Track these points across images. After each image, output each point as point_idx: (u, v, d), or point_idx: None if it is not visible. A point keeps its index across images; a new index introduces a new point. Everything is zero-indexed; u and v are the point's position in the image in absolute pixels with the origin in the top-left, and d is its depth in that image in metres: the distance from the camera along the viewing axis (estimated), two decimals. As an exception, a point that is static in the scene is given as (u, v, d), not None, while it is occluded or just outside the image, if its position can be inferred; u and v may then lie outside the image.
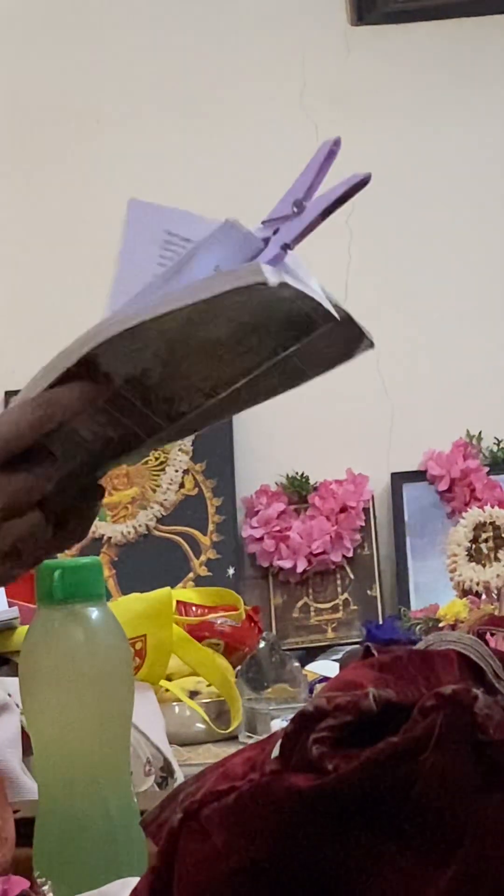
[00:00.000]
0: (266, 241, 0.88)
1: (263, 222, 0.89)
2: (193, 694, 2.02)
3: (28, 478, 0.88)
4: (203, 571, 2.72)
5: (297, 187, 0.89)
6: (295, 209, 0.88)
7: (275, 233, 0.88)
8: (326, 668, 2.30)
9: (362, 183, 0.87)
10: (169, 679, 2.01)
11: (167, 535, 2.74)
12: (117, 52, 2.84)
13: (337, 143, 0.89)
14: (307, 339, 0.90)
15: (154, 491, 2.75)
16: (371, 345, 0.93)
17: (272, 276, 0.84)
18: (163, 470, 2.75)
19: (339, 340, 0.95)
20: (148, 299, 0.87)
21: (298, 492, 2.76)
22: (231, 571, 2.71)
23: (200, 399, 0.90)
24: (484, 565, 2.19)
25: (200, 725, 1.99)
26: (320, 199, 0.87)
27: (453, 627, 2.04)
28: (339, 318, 0.90)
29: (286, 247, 0.87)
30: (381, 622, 2.63)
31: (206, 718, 1.98)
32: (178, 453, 2.75)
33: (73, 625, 1.12)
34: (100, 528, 2.73)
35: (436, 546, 2.65)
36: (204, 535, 2.74)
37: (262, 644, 2.06)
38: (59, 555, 1.08)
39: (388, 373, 2.79)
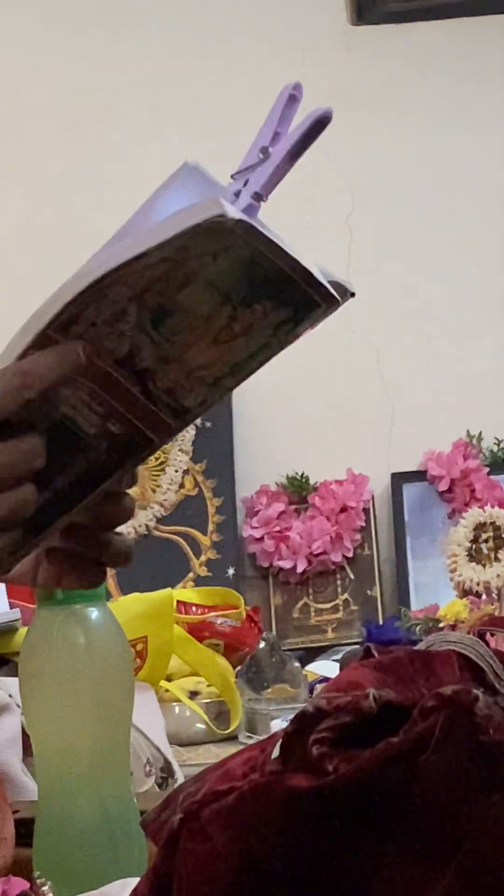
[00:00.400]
0: (237, 193, 0.86)
1: (233, 175, 0.88)
2: (193, 694, 2.02)
3: (13, 449, 0.86)
4: (203, 571, 2.71)
5: (261, 135, 0.87)
6: (261, 155, 0.86)
7: (245, 184, 0.86)
8: (326, 668, 2.30)
9: (324, 118, 0.86)
10: (169, 679, 2.01)
11: (167, 535, 2.74)
12: (117, 52, 2.84)
13: (297, 87, 0.89)
14: (308, 320, 0.86)
15: (154, 491, 2.75)
16: (351, 293, 0.87)
17: (232, 211, 0.80)
18: (163, 470, 2.75)
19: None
20: (108, 252, 0.86)
21: (298, 492, 2.76)
22: (231, 571, 2.71)
23: (204, 391, 0.88)
24: (484, 565, 2.19)
25: (200, 726, 1.99)
26: (283, 142, 0.86)
27: (453, 628, 2.04)
28: (337, 300, 0.86)
29: (258, 196, 0.85)
30: (381, 622, 2.63)
31: (206, 719, 1.98)
32: (178, 453, 2.75)
33: (73, 625, 1.12)
34: (100, 528, 2.72)
35: (436, 546, 2.65)
36: (204, 535, 2.74)
37: (262, 644, 2.06)
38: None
39: (388, 373, 2.79)
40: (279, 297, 0.85)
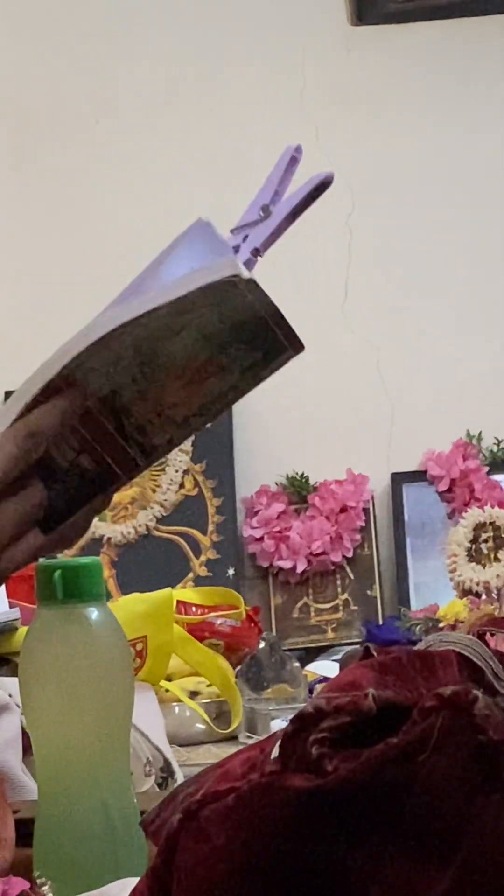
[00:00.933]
0: (237, 248, 0.89)
1: (232, 230, 0.90)
2: (193, 694, 2.02)
3: (17, 509, 0.89)
4: (203, 571, 2.72)
5: (263, 193, 0.90)
6: (262, 214, 0.89)
7: (244, 239, 0.89)
8: (326, 668, 2.30)
9: (325, 183, 0.88)
10: (169, 679, 2.01)
11: (167, 535, 2.74)
12: (117, 52, 2.84)
13: (298, 149, 0.92)
14: (275, 363, 0.90)
15: (154, 491, 2.75)
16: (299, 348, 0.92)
17: (245, 271, 0.84)
18: (163, 470, 2.75)
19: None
20: (122, 306, 0.88)
21: (298, 492, 2.76)
22: (231, 571, 2.71)
23: (172, 430, 0.91)
24: (484, 565, 2.19)
25: (200, 726, 1.99)
26: (286, 201, 0.89)
27: (453, 628, 2.04)
28: (303, 346, 0.91)
29: (256, 252, 0.88)
30: (381, 622, 2.63)
31: (207, 719, 1.98)
32: (179, 453, 2.75)
33: (73, 625, 1.12)
34: (100, 528, 2.73)
35: (436, 546, 2.65)
36: (204, 536, 2.74)
37: (262, 644, 2.06)
38: (59, 555, 1.08)
39: (388, 373, 2.80)
40: (253, 341, 0.88)
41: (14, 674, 1.51)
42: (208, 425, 0.93)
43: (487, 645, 0.74)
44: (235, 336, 0.88)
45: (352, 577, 2.74)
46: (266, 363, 0.90)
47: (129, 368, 0.88)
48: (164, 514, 2.75)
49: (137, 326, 0.86)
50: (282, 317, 0.88)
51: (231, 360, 0.88)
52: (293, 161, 0.91)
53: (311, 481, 2.77)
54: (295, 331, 0.89)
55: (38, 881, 1.04)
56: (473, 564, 2.19)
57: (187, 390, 0.89)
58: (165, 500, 2.75)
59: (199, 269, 0.86)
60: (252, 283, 0.85)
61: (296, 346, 0.89)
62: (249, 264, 0.88)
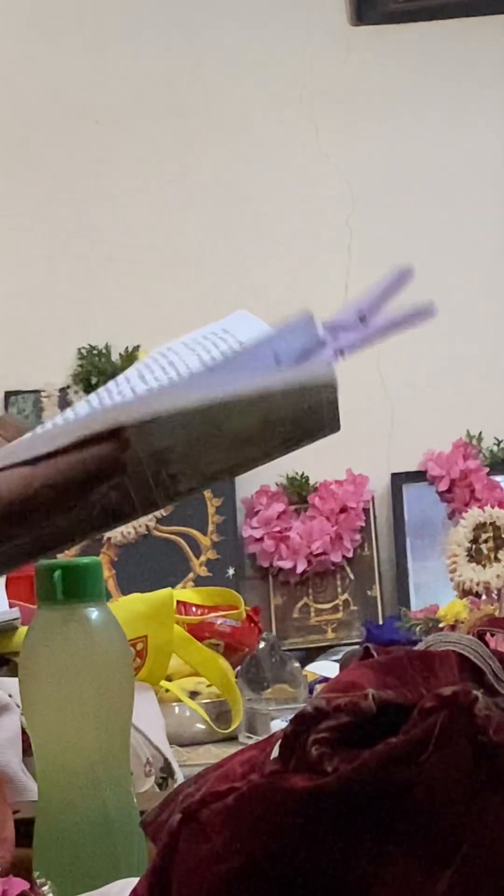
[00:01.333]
0: (324, 343, 0.91)
1: (325, 325, 0.93)
2: (193, 694, 2.02)
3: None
4: (203, 572, 2.72)
5: (366, 300, 0.92)
6: (360, 321, 0.91)
7: (333, 337, 0.91)
8: (326, 668, 2.30)
9: (424, 314, 0.91)
10: (169, 679, 2.01)
11: (167, 535, 2.74)
12: (117, 52, 2.84)
13: (411, 272, 0.93)
14: (312, 439, 0.92)
15: (154, 491, 2.75)
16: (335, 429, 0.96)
17: (337, 380, 0.88)
18: (163, 470, 2.75)
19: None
20: (210, 379, 0.89)
21: (298, 492, 2.76)
22: (231, 572, 2.71)
23: (200, 481, 0.91)
24: (484, 566, 2.19)
25: (200, 726, 1.99)
26: (385, 321, 0.91)
27: (453, 628, 2.04)
28: (340, 427, 0.93)
29: (341, 352, 0.90)
30: (381, 623, 2.63)
31: (207, 718, 1.98)
32: (179, 453, 2.75)
33: (73, 625, 1.12)
34: (100, 528, 2.72)
35: (436, 546, 2.66)
36: (204, 536, 2.74)
37: (262, 644, 2.06)
38: (58, 555, 1.08)
39: (388, 373, 2.80)
40: (303, 423, 0.91)
41: (14, 674, 1.51)
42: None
43: (487, 645, 0.74)
44: (291, 424, 0.90)
45: (352, 577, 2.74)
46: (304, 438, 0.93)
47: (190, 437, 0.88)
48: (164, 514, 2.75)
49: (215, 406, 0.87)
50: (336, 408, 0.91)
51: (276, 435, 0.91)
52: (402, 280, 0.93)
53: (311, 481, 2.77)
54: (339, 414, 0.92)
55: (38, 881, 1.04)
56: (473, 565, 2.19)
57: (227, 453, 0.90)
58: (165, 500, 2.74)
59: (299, 367, 0.87)
60: (336, 389, 0.88)
61: (334, 427, 0.93)
62: (331, 363, 0.91)
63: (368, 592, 2.73)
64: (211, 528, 2.74)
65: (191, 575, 2.71)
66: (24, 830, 1.13)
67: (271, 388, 0.87)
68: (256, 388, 0.88)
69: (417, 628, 2.17)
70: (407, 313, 0.90)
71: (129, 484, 0.89)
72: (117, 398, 0.90)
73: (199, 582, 2.67)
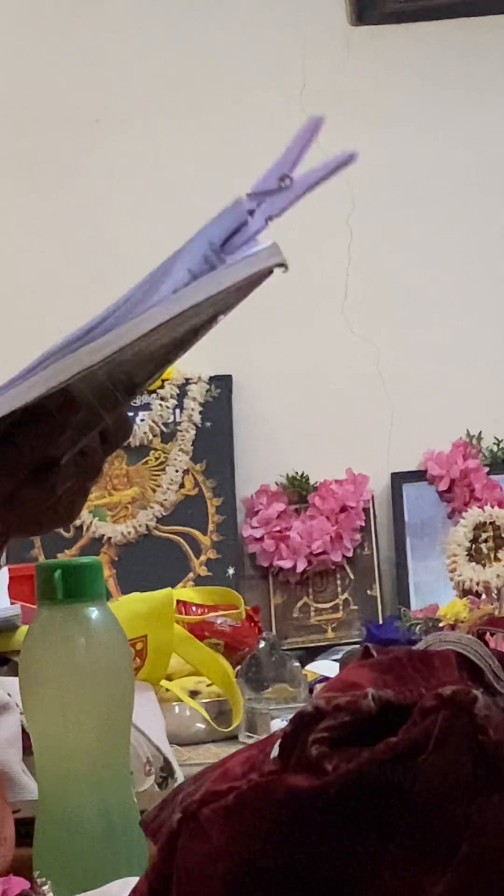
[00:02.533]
0: (251, 212, 0.89)
1: (248, 194, 0.91)
2: (193, 693, 2.02)
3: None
4: (203, 571, 2.72)
5: (281, 163, 0.90)
6: (281, 184, 0.90)
7: (258, 205, 0.89)
8: (326, 667, 2.30)
9: (347, 162, 0.89)
10: (169, 679, 2.01)
11: (167, 535, 2.74)
12: (118, 52, 2.85)
13: (321, 120, 0.92)
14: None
15: (154, 491, 2.75)
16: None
17: (285, 257, 0.87)
18: (163, 470, 2.75)
19: None
20: (164, 299, 0.88)
21: (298, 492, 2.76)
22: (231, 571, 2.71)
23: (152, 367, 0.91)
24: (484, 565, 2.19)
25: (200, 725, 1.99)
26: (308, 175, 0.90)
27: (453, 627, 2.04)
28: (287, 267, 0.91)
29: (269, 219, 0.89)
30: (381, 622, 2.63)
31: (207, 717, 1.98)
32: (179, 453, 2.75)
33: (73, 625, 1.12)
34: (100, 528, 2.73)
35: (436, 546, 2.66)
36: (204, 535, 2.74)
37: (262, 644, 2.06)
38: (59, 555, 1.08)
39: (388, 373, 2.80)
40: (248, 285, 0.90)
41: (14, 674, 1.51)
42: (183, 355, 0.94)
43: (487, 645, 0.74)
44: (237, 302, 0.90)
45: (352, 576, 2.74)
46: (246, 291, 0.91)
47: (141, 349, 0.88)
48: (165, 514, 2.75)
49: (173, 322, 0.86)
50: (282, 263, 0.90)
51: (223, 305, 0.90)
52: (315, 132, 0.92)
53: (311, 481, 2.77)
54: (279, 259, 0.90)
55: (38, 881, 1.04)
56: (473, 564, 2.19)
57: (174, 332, 0.90)
58: (165, 499, 2.75)
59: (240, 261, 0.86)
60: (285, 269, 0.88)
61: (272, 268, 0.91)
62: (260, 231, 0.90)
63: (368, 592, 2.73)
64: (211, 527, 2.74)
65: (191, 575, 2.72)
66: (24, 830, 1.14)
67: (215, 291, 0.86)
68: (199, 298, 0.87)
69: (417, 628, 2.17)
70: (330, 164, 0.89)
71: (90, 398, 0.89)
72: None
73: (199, 582, 2.67)
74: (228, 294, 0.87)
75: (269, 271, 0.90)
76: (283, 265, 0.87)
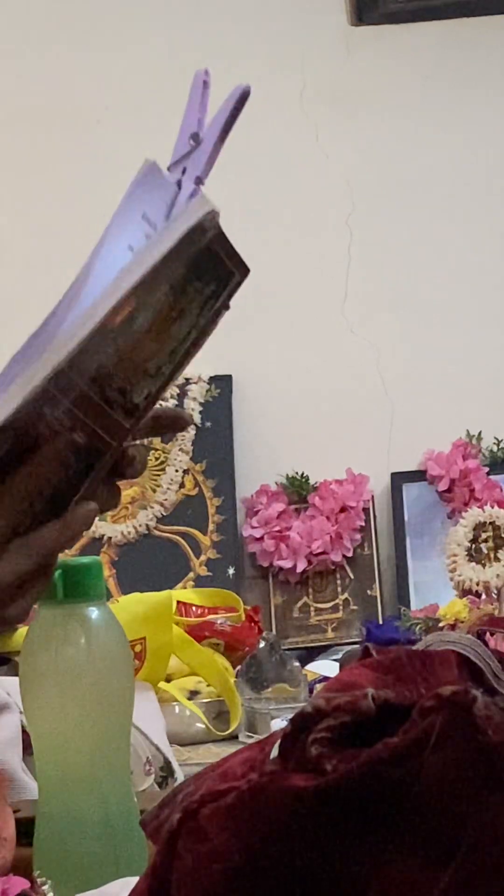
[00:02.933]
0: (179, 183, 0.89)
1: (169, 167, 0.91)
2: (193, 694, 2.02)
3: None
4: (203, 571, 2.72)
5: (186, 123, 0.91)
6: (192, 143, 0.90)
7: (183, 172, 0.89)
8: (326, 667, 2.30)
9: (244, 96, 0.89)
10: (168, 680, 2.01)
11: (167, 535, 2.74)
12: (118, 52, 2.84)
13: (207, 73, 0.93)
14: (226, 292, 0.90)
15: (154, 491, 2.75)
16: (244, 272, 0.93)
17: (214, 204, 0.87)
18: (163, 470, 2.75)
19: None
20: (111, 282, 0.87)
21: (298, 492, 2.76)
22: (231, 571, 2.71)
23: (148, 383, 0.90)
24: (484, 565, 2.19)
25: (200, 725, 1.99)
26: (212, 124, 0.90)
27: (453, 627, 2.04)
28: (248, 269, 0.91)
29: (199, 180, 0.89)
30: (381, 622, 2.63)
31: (205, 720, 1.98)
32: (179, 453, 2.75)
33: (73, 625, 1.12)
34: (100, 528, 2.73)
35: (436, 546, 2.66)
36: (204, 535, 2.74)
37: (262, 644, 2.06)
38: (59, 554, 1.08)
39: (388, 373, 2.80)
40: (206, 276, 0.89)
41: (14, 674, 1.51)
42: (178, 375, 0.93)
43: (487, 645, 0.74)
44: (193, 275, 0.88)
45: (352, 576, 2.74)
46: (219, 294, 0.90)
47: (110, 346, 0.87)
48: (165, 514, 2.75)
49: (122, 304, 0.86)
50: (226, 240, 0.89)
51: (190, 300, 0.89)
52: (205, 85, 0.92)
53: (311, 481, 2.77)
54: (239, 254, 0.89)
55: (38, 881, 1.04)
56: (473, 564, 2.19)
57: (157, 341, 0.89)
58: (165, 499, 2.75)
59: (173, 222, 0.86)
60: (216, 215, 0.86)
61: (241, 270, 0.90)
62: (195, 193, 0.89)
63: (368, 592, 2.73)
64: (211, 527, 2.74)
65: (191, 574, 2.72)
66: (24, 830, 1.14)
67: (159, 257, 0.86)
68: (146, 268, 0.86)
69: (417, 628, 2.17)
70: (227, 106, 0.90)
71: (83, 417, 0.88)
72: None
73: (199, 581, 2.67)
74: (178, 264, 0.86)
75: (230, 271, 0.89)
76: (212, 212, 0.86)
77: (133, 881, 0.76)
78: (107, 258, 0.88)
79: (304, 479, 2.76)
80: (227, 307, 0.91)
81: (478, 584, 2.16)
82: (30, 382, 0.86)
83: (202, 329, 0.91)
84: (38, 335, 0.89)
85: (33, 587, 0.92)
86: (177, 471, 2.75)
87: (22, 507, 0.89)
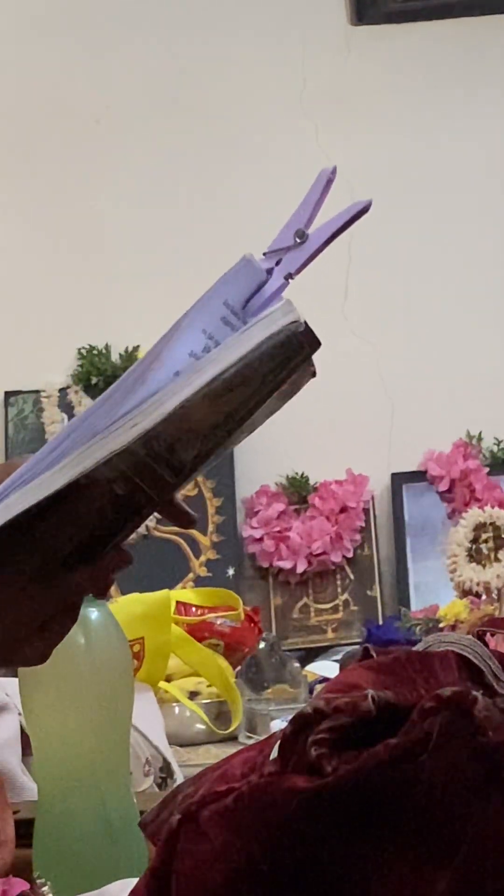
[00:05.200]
0: (269, 271, 0.89)
1: (265, 253, 0.91)
2: (193, 694, 2.02)
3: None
4: (203, 572, 2.71)
5: (297, 217, 0.90)
6: (297, 240, 0.89)
7: (277, 263, 0.89)
8: (326, 668, 2.30)
9: (363, 211, 0.88)
10: (168, 680, 2.01)
11: (167, 535, 2.74)
12: (118, 52, 2.84)
13: (334, 171, 0.91)
14: (297, 366, 0.90)
15: (154, 491, 2.75)
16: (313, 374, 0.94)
17: (300, 315, 0.87)
18: (163, 470, 2.75)
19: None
20: (186, 372, 0.88)
21: (298, 492, 2.76)
22: (231, 572, 2.71)
23: (199, 443, 0.89)
24: (484, 566, 2.19)
25: (200, 726, 1.99)
26: (323, 228, 0.89)
27: (453, 628, 2.04)
28: (319, 343, 0.91)
29: (289, 276, 0.88)
30: (381, 623, 2.63)
31: (206, 719, 1.98)
32: (178, 453, 2.75)
33: (74, 625, 1.12)
34: (100, 528, 2.72)
35: (436, 546, 2.65)
36: (204, 536, 2.74)
37: (262, 644, 2.06)
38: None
39: (388, 373, 2.79)
40: (275, 353, 0.89)
41: (14, 674, 1.51)
42: (235, 438, 0.92)
43: (487, 645, 0.74)
44: (267, 359, 0.89)
45: (352, 577, 2.74)
46: (285, 364, 0.90)
47: (172, 415, 0.88)
48: (165, 515, 2.74)
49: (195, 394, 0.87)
50: (309, 329, 0.89)
51: (254, 370, 0.89)
52: (328, 184, 0.91)
53: (311, 481, 2.76)
54: (312, 331, 0.90)
55: (38, 881, 1.04)
56: (473, 565, 2.19)
57: (213, 406, 0.88)
58: (165, 500, 2.74)
59: (255, 323, 0.86)
60: (300, 326, 0.88)
61: (312, 344, 0.91)
62: (281, 289, 0.90)
63: (368, 592, 2.73)
64: (211, 528, 2.74)
65: (190, 575, 2.71)
66: (24, 830, 1.14)
67: (234, 358, 0.86)
68: (221, 365, 0.87)
69: (417, 628, 2.17)
70: (343, 216, 0.89)
71: (125, 469, 0.88)
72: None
73: (199, 582, 2.67)
74: (255, 361, 0.87)
75: (302, 347, 0.90)
76: (296, 321, 0.86)
77: (133, 882, 0.76)
78: (180, 343, 0.89)
79: (304, 480, 2.76)
80: (313, 374, 0.92)
81: (478, 585, 2.16)
82: (87, 458, 0.87)
83: (264, 396, 0.91)
84: (99, 407, 0.90)
85: (56, 629, 0.92)
86: (177, 471, 2.75)
87: (49, 550, 0.89)
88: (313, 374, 0.92)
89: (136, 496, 0.88)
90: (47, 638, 0.92)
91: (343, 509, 2.73)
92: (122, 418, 0.87)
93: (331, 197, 0.93)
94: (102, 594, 0.94)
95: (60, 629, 0.92)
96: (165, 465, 0.88)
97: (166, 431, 0.87)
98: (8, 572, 0.88)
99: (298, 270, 0.90)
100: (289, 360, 0.90)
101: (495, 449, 2.78)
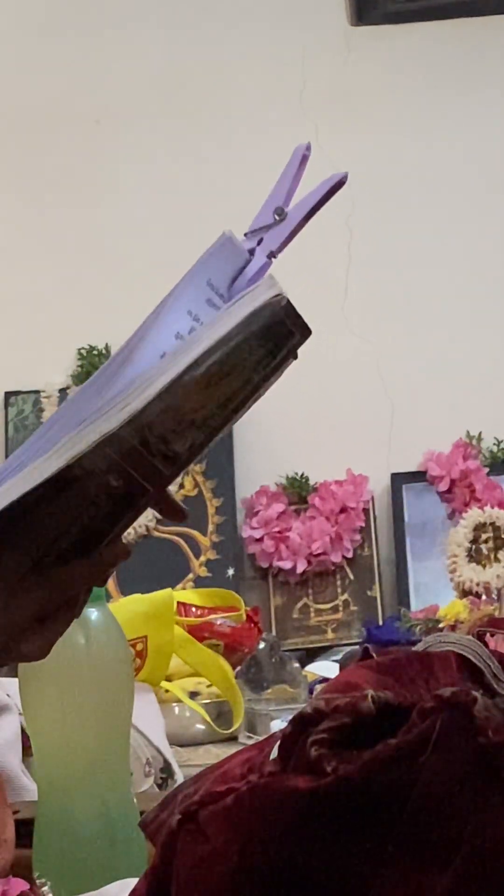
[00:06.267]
0: (252, 251, 0.89)
1: (247, 234, 0.90)
2: (193, 694, 2.02)
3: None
4: (203, 572, 2.71)
5: (275, 195, 0.89)
6: (276, 217, 0.89)
7: (259, 242, 0.89)
8: (326, 668, 2.30)
9: (340, 184, 0.88)
10: (169, 679, 2.01)
11: (167, 535, 2.74)
12: (117, 52, 2.84)
13: (308, 148, 0.91)
14: (284, 350, 0.90)
15: (154, 491, 2.75)
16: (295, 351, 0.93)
17: (283, 288, 0.86)
18: (163, 470, 2.75)
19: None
20: (171, 352, 0.87)
21: (298, 492, 2.76)
22: (231, 572, 2.71)
23: (192, 433, 0.89)
24: (484, 566, 2.19)
25: (200, 726, 1.99)
26: (301, 204, 0.88)
27: (453, 628, 2.04)
28: (310, 330, 0.90)
29: (272, 255, 0.88)
30: (381, 623, 2.62)
31: (207, 719, 1.98)
32: (178, 454, 2.75)
33: (74, 626, 1.12)
34: (100, 528, 2.72)
35: (436, 546, 2.65)
36: (204, 536, 2.74)
37: (261, 645, 2.06)
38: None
39: (388, 373, 2.79)
40: (264, 336, 0.88)
41: (14, 674, 1.51)
42: (228, 426, 0.92)
43: (487, 645, 0.74)
44: (250, 335, 0.88)
45: (352, 577, 2.74)
46: (276, 352, 0.90)
47: (161, 398, 0.87)
48: (165, 515, 2.74)
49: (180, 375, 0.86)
50: (293, 308, 0.88)
51: (244, 357, 0.88)
52: (304, 160, 0.91)
53: (311, 481, 2.76)
54: (301, 317, 0.89)
55: (38, 881, 1.04)
56: (473, 565, 2.19)
57: (205, 393, 0.88)
58: (165, 500, 2.74)
59: (239, 300, 0.86)
60: (283, 300, 0.87)
61: (302, 331, 0.90)
62: (265, 267, 0.89)
63: (368, 592, 2.73)
64: (211, 528, 2.74)
65: (190, 575, 2.71)
66: (24, 830, 1.14)
67: (220, 336, 0.86)
68: (206, 343, 0.86)
69: (417, 628, 2.17)
70: (320, 189, 0.88)
71: (119, 461, 0.88)
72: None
73: (199, 582, 2.67)
74: (241, 340, 0.87)
75: (292, 333, 0.90)
76: (279, 295, 0.85)
77: (132, 882, 0.76)
78: (165, 325, 0.88)
79: (303, 480, 2.76)
80: (294, 356, 0.92)
81: (478, 585, 2.16)
82: (77, 443, 0.86)
83: (256, 385, 0.90)
84: (85, 392, 0.90)
85: (55, 624, 0.91)
86: (177, 471, 2.75)
87: (45, 542, 0.89)
88: (295, 357, 0.91)
89: (130, 488, 0.88)
90: (47, 632, 0.91)
91: (343, 509, 2.73)
92: (111, 400, 0.87)
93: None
94: (99, 585, 0.94)
95: (60, 623, 0.92)
96: (160, 455, 0.88)
97: (159, 420, 0.87)
98: (4, 563, 0.88)
99: (280, 248, 0.90)
100: (279, 346, 0.89)
101: (495, 449, 2.77)
